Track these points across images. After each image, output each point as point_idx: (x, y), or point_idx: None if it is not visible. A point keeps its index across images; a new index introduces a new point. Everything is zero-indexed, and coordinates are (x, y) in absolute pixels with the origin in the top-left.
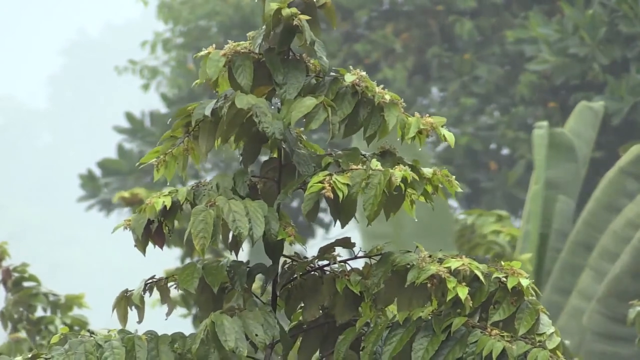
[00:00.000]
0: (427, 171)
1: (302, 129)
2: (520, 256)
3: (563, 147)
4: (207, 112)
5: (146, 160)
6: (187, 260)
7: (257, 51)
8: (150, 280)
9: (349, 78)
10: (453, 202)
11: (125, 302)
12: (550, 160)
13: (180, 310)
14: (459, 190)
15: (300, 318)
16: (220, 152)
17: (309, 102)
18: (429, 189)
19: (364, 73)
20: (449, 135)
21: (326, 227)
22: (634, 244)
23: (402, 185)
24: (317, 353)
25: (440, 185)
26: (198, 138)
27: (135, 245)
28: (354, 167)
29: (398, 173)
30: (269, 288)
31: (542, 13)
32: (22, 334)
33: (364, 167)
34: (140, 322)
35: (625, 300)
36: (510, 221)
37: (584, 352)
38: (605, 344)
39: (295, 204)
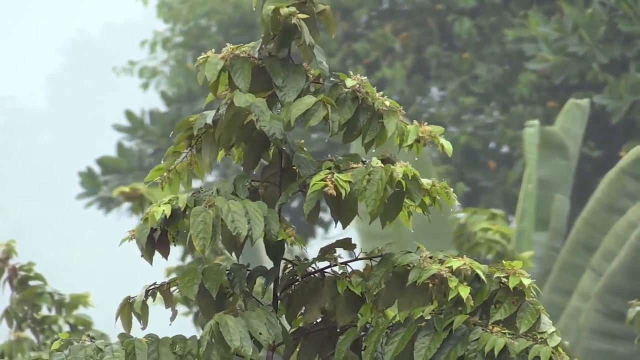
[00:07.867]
0: (426, 182)
1: (302, 140)
2: (522, 254)
3: (555, 146)
4: (209, 120)
5: (150, 179)
6: (188, 258)
7: (256, 56)
8: (152, 287)
9: (350, 83)
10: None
11: (128, 308)
12: (543, 159)
13: (181, 309)
14: (457, 203)
15: (301, 324)
16: (228, 158)
17: (309, 100)
18: (427, 200)
19: (364, 78)
20: (447, 144)
21: (326, 226)
22: (632, 242)
23: (403, 182)
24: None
25: (437, 196)
26: (201, 151)
27: (142, 256)
28: (355, 165)
29: (399, 169)
30: (270, 290)
31: (542, 12)
32: (27, 333)
33: (365, 165)
34: (144, 328)
35: (620, 297)
36: (504, 220)
37: (581, 350)
38: (602, 342)
39: (295, 204)
